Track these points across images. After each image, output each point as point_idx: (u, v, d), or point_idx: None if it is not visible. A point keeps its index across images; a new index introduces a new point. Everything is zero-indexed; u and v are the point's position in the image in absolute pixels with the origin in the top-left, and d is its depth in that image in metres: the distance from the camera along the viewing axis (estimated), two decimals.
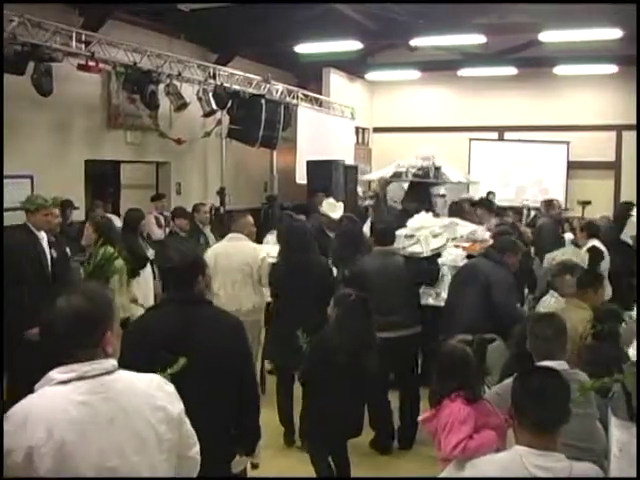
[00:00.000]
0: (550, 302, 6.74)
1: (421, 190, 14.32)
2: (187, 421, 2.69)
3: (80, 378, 2.44)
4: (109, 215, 10.30)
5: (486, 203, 11.63)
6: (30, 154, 10.25)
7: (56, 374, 2.44)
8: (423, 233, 7.20)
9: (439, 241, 7.38)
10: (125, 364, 2.64)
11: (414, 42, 14.58)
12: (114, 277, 6.85)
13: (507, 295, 6.31)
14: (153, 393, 2.58)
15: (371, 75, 18.54)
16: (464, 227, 8.24)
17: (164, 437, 2.55)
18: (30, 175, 10.08)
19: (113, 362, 2.55)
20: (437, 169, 14.66)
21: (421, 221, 7.34)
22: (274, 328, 6.96)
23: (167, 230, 10.60)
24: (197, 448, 2.76)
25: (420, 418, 4.12)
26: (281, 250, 6.93)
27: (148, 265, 8.02)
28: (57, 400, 2.39)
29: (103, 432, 2.42)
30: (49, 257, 6.89)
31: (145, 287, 8.03)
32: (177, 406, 2.64)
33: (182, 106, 11.62)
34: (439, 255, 7.46)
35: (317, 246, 6.94)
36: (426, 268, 7.16)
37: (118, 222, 10.37)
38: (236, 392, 3.68)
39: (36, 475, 2.31)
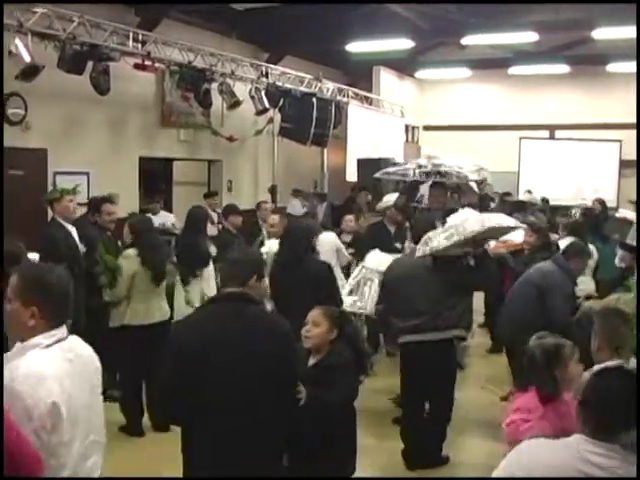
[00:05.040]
0: None
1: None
2: None
3: (59, 341, 2.84)
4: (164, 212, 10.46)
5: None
6: (87, 151, 10.45)
7: (42, 339, 2.79)
8: (435, 232, 6.50)
9: (441, 242, 6.48)
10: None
11: (465, 40, 14.53)
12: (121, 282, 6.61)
13: (562, 301, 6.32)
14: (94, 355, 3.07)
15: (421, 73, 18.53)
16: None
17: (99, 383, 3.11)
18: (87, 172, 10.26)
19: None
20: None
21: (451, 219, 6.67)
22: None
23: (220, 227, 10.71)
24: None
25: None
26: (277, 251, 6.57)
27: (210, 263, 7.66)
28: (56, 359, 2.79)
29: (81, 382, 2.88)
30: (81, 252, 7.08)
31: (200, 289, 7.63)
32: None
33: (235, 104, 11.73)
34: (485, 261, 6.39)
35: (313, 246, 6.30)
36: (457, 273, 6.14)
37: (172, 219, 10.56)
38: (277, 396, 3.46)
39: (61, 426, 2.69)
